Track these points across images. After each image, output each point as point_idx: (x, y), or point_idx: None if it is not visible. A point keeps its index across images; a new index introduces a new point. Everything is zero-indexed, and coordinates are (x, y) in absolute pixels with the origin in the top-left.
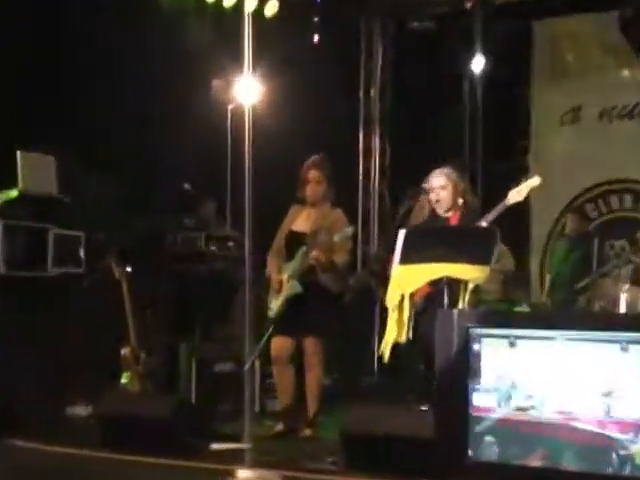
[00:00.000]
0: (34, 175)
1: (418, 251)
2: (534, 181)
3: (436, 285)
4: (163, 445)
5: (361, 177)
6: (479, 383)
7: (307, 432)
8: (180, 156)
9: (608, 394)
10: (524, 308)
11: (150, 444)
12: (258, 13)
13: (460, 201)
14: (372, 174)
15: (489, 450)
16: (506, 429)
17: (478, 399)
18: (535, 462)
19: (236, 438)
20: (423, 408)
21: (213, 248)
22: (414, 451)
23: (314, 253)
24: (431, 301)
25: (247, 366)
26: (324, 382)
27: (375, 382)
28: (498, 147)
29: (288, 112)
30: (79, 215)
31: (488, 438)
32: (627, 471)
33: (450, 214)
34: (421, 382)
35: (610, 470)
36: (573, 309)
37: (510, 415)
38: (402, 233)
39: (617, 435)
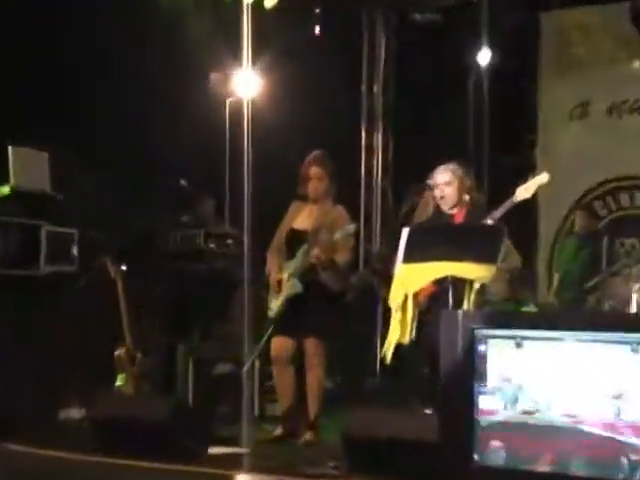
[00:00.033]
0: (26, 171)
1: (422, 249)
2: (542, 178)
3: (440, 284)
4: (159, 449)
5: (363, 173)
6: (485, 385)
7: (308, 435)
8: (177, 152)
9: (618, 397)
10: (531, 308)
11: (146, 448)
12: (257, 4)
13: (466, 198)
14: (375, 170)
15: (495, 455)
16: (513, 433)
17: (484, 402)
18: (543, 467)
19: (234, 442)
20: (427, 411)
21: (212, 246)
22: (418, 455)
23: (315, 251)
24: (435, 301)
25: (246, 367)
26: (325, 384)
27: (378, 384)
28: (504, 141)
29: (288, 106)
30: (73, 212)
31: (494, 442)
32: (638, 477)
33: (455, 211)
34: (425, 384)
35: (621, 476)
36: (582, 309)
37: (517, 418)
38: (405, 231)
39: (628, 439)
